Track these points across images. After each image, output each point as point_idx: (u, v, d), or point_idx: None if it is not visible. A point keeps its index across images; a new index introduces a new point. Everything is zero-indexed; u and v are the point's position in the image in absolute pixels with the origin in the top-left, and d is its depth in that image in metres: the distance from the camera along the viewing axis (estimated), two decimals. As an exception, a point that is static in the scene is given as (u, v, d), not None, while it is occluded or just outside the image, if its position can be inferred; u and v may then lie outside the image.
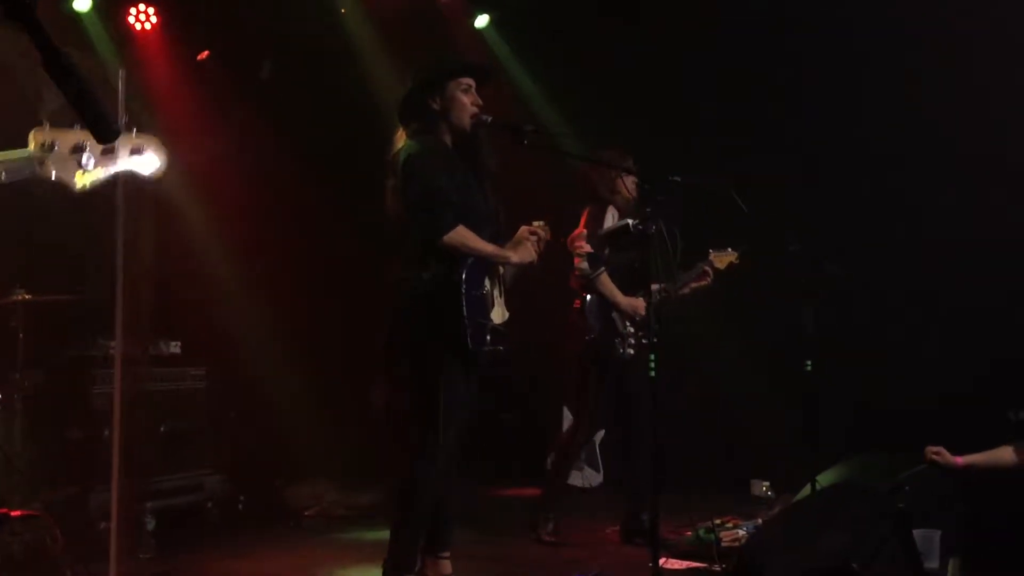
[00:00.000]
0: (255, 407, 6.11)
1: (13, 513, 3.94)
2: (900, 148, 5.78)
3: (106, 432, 4.70)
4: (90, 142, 2.05)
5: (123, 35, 6.19)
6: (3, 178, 2.02)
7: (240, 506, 5.69)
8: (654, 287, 4.76)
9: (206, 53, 6.60)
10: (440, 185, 3.42)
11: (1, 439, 4.57)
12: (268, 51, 6.95)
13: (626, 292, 4.79)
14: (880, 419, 5.55)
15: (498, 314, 3.58)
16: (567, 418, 6.64)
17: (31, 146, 2.05)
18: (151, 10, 6.27)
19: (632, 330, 4.80)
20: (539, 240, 3.67)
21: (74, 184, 2.08)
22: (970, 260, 5.45)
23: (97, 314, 4.92)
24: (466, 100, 3.58)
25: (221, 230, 6.29)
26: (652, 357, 3.73)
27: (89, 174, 2.10)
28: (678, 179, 4.15)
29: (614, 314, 4.79)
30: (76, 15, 5.86)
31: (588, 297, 4.81)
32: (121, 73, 4.07)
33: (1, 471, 4.47)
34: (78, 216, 5.38)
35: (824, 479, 4.37)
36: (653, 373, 3.72)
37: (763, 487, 5.95)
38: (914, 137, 5.69)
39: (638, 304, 4.76)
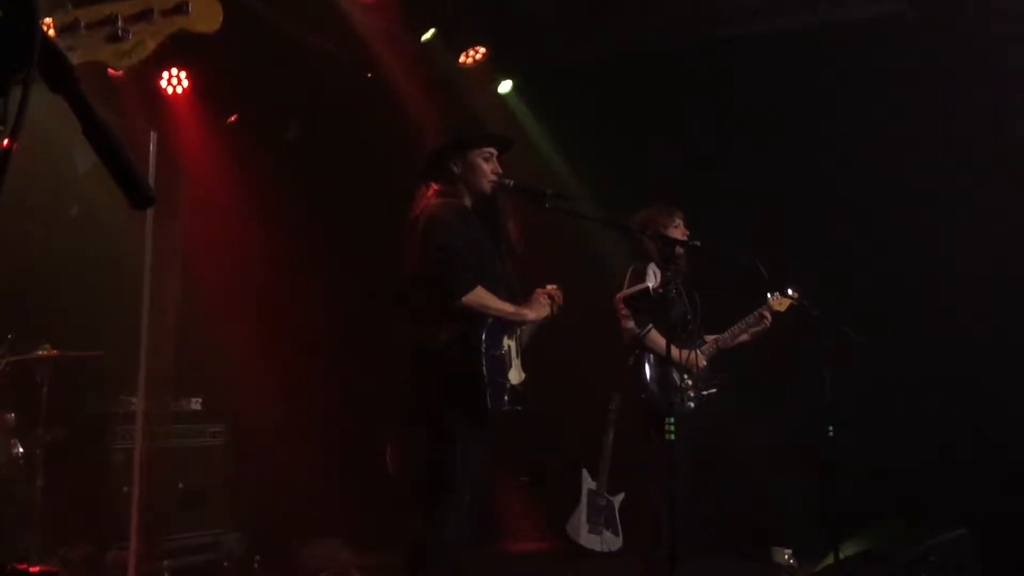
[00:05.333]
0: (273, 465, 6.10)
1: (32, 569, 3.94)
2: (921, 213, 5.80)
3: (125, 489, 4.72)
4: (121, 12, 1.70)
5: (155, 98, 6.36)
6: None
7: (256, 565, 5.65)
8: (709, 338, 4.78)
9: (234, 116, 6.75)
10: (459, 247, 3.44)
11: (22, 493, 4.59)
12: (295, 112, 7.10)
13: (682, 345, 4.68)
14: (904, 486, 5.47)
15: (515, 375, 3.58)
16: (586, 479, 6.59)
17: (51, 32, 1.69)
18: (183, 74, 6.45)
19: (691, 383, 4.70)
20: (553, 302, 3.69)
21: (115, 63, 1.70)
22: (991, 323, 5.43)
23: (120, 370, 4.97)
24: (486, 167, 3.64)
25: (244, 289, 6.37)
26: (670, 421, 3.71)
27: (130, 47, 1.72)
28: (698, 243, 4.19)
29: (670, 369, 4.68)
30: (110, 79, 6.03)
31: (641, 354, 4.74)
32: (153, 135, 4.19)
33: (21, 526, 4.48)
34: (104, 274, 5.48)
35: (847, 548, 4.30)
36: (672, 436, 3.70)
37: (785, 555, 5.84)
38: (933, 202, 5.71)
39: (695, 357, 4.69)
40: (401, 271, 3.62)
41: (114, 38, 1.67)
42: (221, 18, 1.73)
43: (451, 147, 3.64)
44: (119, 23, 1.64)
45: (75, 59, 1.62)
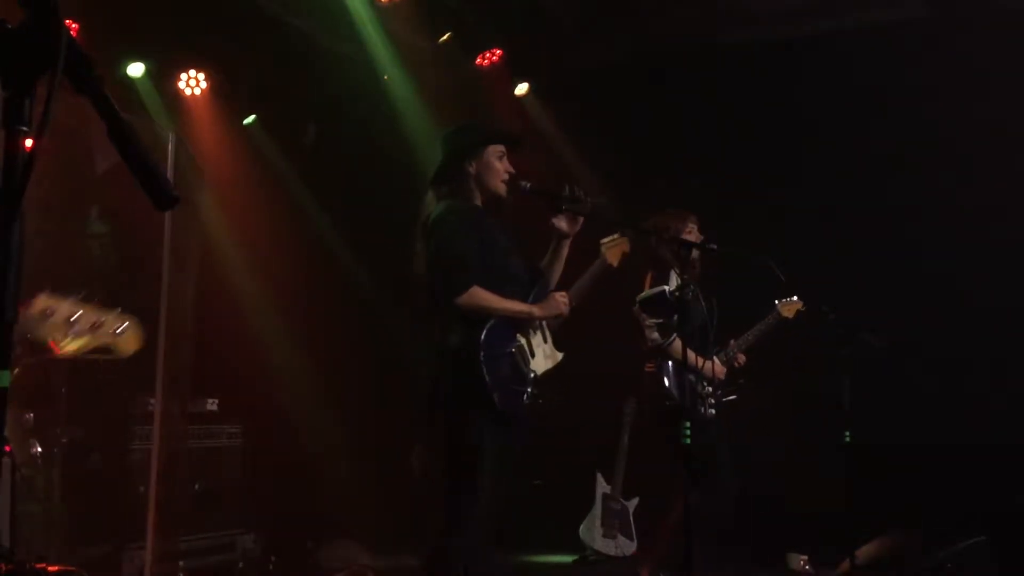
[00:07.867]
0: (289, 466, 6.11)
1: (51, 568, 3.95)
2: (938, 216, 5.76)
3: (142, 488, 4.74)
4: (82, 314, 2.31)
5: (174, 100, 6.39)
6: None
7: (271, 566, 5.67)
8: (732, 342, 4.80)
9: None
10: (457, 248, 3.42)
11: (41, 493, 4.62)
12: (313, 116, 7.12)
13: (699, 352, 4.67)
14: (921, 492, 5.43)
15: (540, 363, 3.56)
16: (601, 484, 6.57)
17: (32, 309, 2.33)
18: (201, 76, 6.47)
19: (711, 390, 4.73)
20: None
21: (58, 348, 2.37)
22: (1012, 327, 5.39)
23: (138, 371, 4.99)
24: (499, 166, 3.62)
25: (261, 290, 6.39)
26: (687, 424, 3.70)
27: (75, 343, 2.36)
28: (714, 247, 4.17)
29: (690, 376, 4.68)
30: (130, 81, 6.07)
31: (662, 361, 4.74)
32: (171, 137, 4.21)
33: (40, 525, 4.50)
34: (122, 274, 5.51)
35: (864, 554, 4.28)
36: (688, 440, 3.70)
37: (800, 561, 5.81)
38: (953, 205, 5.67)
39: (718, 370, 4.74)
40: (413, 274, 3.62)
41: (69, 333, 2.36)
42: (138, 346, 2.62)
43: (466, 148, 3.63)
44: (79, 320, 2.30)
45: (40, 336, 2.40)
